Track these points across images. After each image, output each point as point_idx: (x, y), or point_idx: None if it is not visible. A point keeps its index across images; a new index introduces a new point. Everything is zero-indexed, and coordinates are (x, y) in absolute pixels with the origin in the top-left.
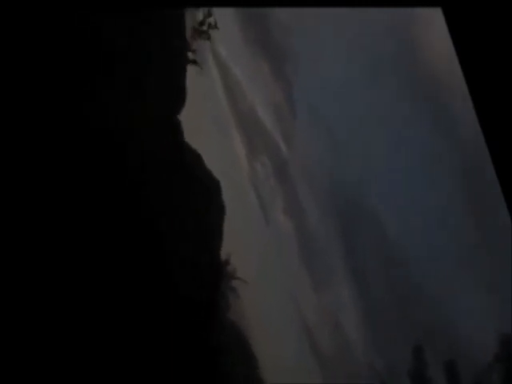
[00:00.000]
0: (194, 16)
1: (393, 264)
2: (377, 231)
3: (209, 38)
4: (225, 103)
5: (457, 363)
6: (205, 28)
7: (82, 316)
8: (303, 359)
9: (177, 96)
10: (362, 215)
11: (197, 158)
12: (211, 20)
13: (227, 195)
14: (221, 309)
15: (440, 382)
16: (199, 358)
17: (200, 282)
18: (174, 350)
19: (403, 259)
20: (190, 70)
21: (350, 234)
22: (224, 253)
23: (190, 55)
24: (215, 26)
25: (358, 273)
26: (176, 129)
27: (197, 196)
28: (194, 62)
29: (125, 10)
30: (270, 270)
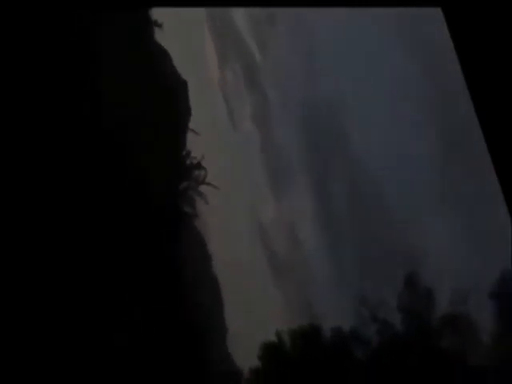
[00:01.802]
0: None
1: (358, 183)
2: (344, 149)
3: None
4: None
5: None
6: None
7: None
8: (258, 263)
9: None
10: (330, 132)
11: (164, 56)
12: None
13: (194, 98)
14: (188, 216)
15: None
16: (164, 263)
17: (169, 189)
18: (143, 252)
19: (369, 179)
20: None
21: (316, 148)
22: (195, 156)
23: None
24: None
25: (320, 188)
26: (146, 28)
27: (162, 95)
28: None
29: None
30: (232, 176)
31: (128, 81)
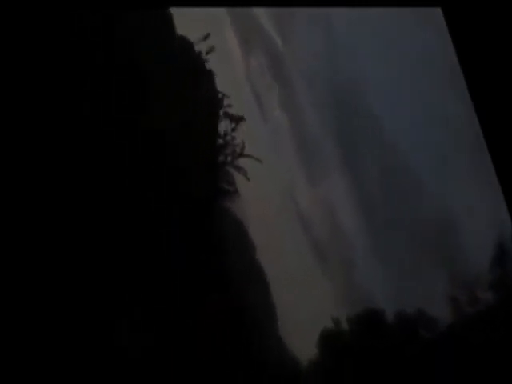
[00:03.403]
0: None
1: (390, 160)
2: (374, 127)
3: None
4: None
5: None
6: None
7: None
8: (299, 248)
9: None
10: (359, 111)
11: (189, 48)
12: None
13: (222, 88)
14: (229, 194)
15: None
16: (201, 246)
17: (205, 165)
18: (177, 236)
19: (400, 155)
20: None
21: (347, 129)
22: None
23: None
24: None
25: (354, 169)
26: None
27: (191, 87)
28: None
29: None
30: (265, 162)
31: (159, 71)
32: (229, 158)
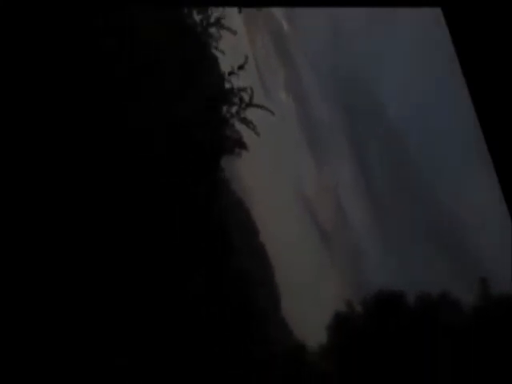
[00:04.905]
0: None
1: (393, 146)
2: (377, 113)
3: None
4: None
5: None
6: None
7: None
8: (303, 233)
9: None
10: (363, 96)
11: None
12: None
13: (227, 68)
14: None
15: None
16: (201, 225)
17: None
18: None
19: (403, 142)
20: None
21: (351, 113)
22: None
23: None
24: None
25: (359, 152)
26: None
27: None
28: None
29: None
30: (270, 144)
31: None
32: (234, 109)
